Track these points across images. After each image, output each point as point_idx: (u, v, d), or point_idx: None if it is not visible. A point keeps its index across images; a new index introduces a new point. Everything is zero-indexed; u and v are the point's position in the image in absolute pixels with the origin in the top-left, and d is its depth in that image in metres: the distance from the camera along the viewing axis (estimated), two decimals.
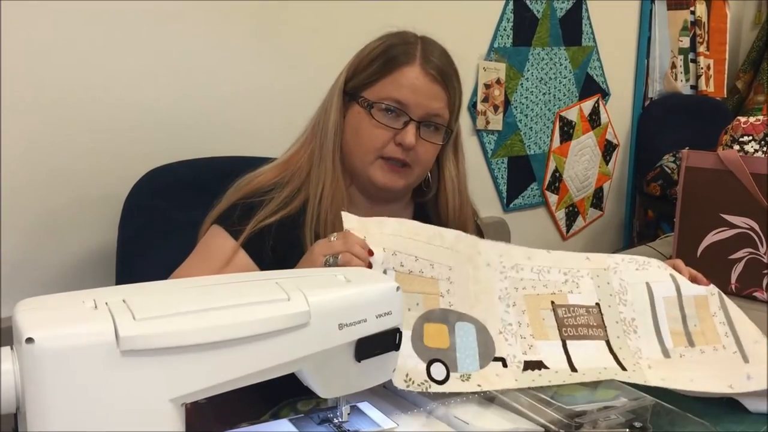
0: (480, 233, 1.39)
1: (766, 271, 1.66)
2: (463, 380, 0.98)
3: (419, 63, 1.17)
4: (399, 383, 0.94)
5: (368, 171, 1.20)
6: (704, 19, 3.31)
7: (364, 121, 1.18)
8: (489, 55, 2.32)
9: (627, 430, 0.94)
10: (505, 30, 2.35)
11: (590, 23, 2.69)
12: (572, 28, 2.62)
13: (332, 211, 1.17)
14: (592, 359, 1.07)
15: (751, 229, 1.67)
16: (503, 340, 1.07)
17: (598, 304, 1.16)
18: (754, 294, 1.68)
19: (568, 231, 2.80)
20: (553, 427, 0.94)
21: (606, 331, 1.13)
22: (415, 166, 1.21)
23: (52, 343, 0.62)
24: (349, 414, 0.90)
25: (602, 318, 1.15)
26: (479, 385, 0.98)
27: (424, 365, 0.97)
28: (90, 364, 0.64)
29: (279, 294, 0.76)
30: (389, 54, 1.18)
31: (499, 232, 2.41)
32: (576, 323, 1.13)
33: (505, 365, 1.03)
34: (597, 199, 2.91)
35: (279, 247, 1.16)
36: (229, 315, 0.71)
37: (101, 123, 1.52)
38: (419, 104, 1.17)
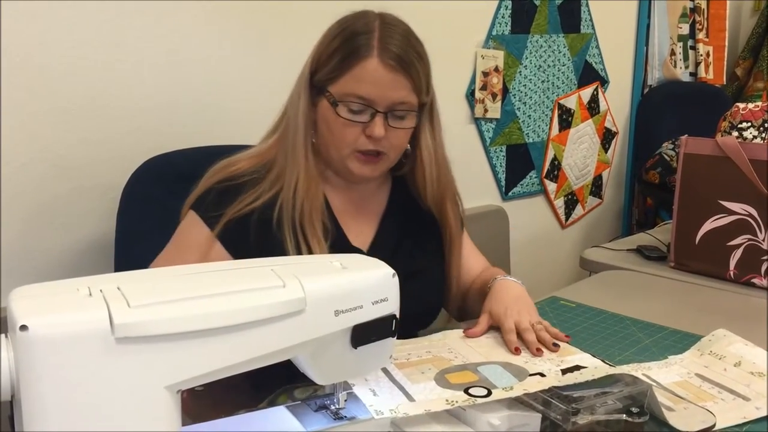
0: (458, 208, 1.41)
1: (764, 258, 1.66)
2: (506, 390, 0.96)
3: (377, 54, 1.15)
4: (441, 407, 0.92)
5: (345, 163, 1.21)
6: (703, 5, 3.30)
7: (333, 118, 1.18)
8: (487, 42, 2.31)
9: (624, 415, 0.95)
10: (503, 17, 2.34)
11: (589, 10, 2.68)
12: (571, 15, 2.61)
13: (308, 202, 1.18)
14: None
15: (750, 215, 1.67)
16: (533, 364, 1.08)
17: None
18: (753, 280, 1.68)
19: (567, 219, 2.80)
20: (551, 413, 0.94)
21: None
22: (390, 152, 1.22)
23: (46, 331, 0.62)
24: (345, 401, 0.90)
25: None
26: (525, 389, 0.97)
27: (461, 392, 0.96)
28: (85, 352, 0.64)
29: (275, 281, 0.76)
30: (348, 47, 1.16)
31: (497, 221, 2.41)
32: None
33: (543, 376, 1.02)
34: (596, 187, 2.91)
35: (259, 242, 1.16)
36: (224, 302, 0.71)
37: (99, 113, 1.51)
38: (382, 96, 1.16)
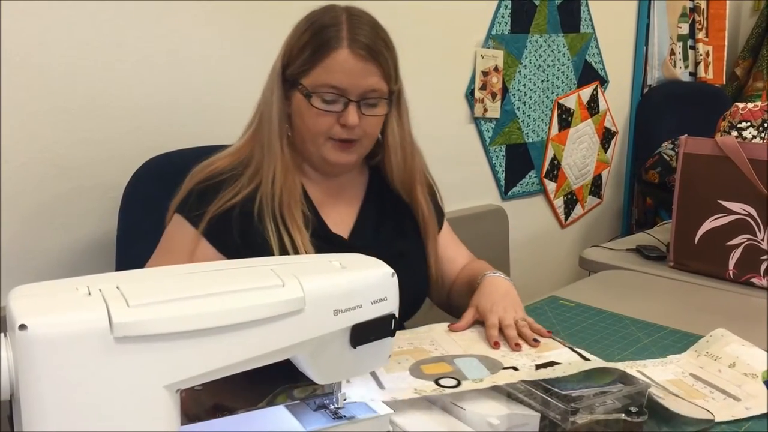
0: (433, 193, 1.43)
1: (763, 257, 1.66)
2: (476, 382, 0.98)
3: (347, 45, 1.18)
4: (408, 395, 0.93)
5: (320, 152, 1.24)
6: (703, 5, 3.30)
7: (307, 109, 1.21)
8: (487, 42, 2.31)
9: (623, 415, 0.95)
10: (502, 17, 2.34)
11: (588, 10, 2.68)
12: (570, 15, 2.61)
13: (286, 192, 1.21)
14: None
15: (749, 215, 1.67)
16: (509, 358, 1.09)
17: (562, 337, 1.22)
18: (752, 280, 1.68)
19: (566, 219, 2.80)
20: (549, 412, 0.94)
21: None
22: (363, 139, 1.24)
23: (45, 330, 0.62)
24: (345, 400, 0.90)
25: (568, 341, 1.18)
26: (494, 381, 0.98)
27: (431, 382, 0.97)
28: (84, 351, 0.64)
29: (274, 280, 0.76)
30: (318, 40, 1.19)
31: (497, 221, 2.41)
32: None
33: (516, 370, 1.03)
34: (595, 186, 2.91)
35: (242, 235, 1.19)
36: (223, 301, 0.71)
37: (99, 112, 1.51)
38: (354, 85, 1.19)
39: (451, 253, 1.45)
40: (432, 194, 1.43)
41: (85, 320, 0.64)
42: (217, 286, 0.73)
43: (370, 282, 0.83)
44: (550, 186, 2.67)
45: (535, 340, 1.14)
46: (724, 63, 3.45)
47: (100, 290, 0.68)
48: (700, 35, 3.30)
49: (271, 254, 1.16)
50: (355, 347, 0.82)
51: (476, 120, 2.34)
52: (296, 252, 1.18)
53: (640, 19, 2.98)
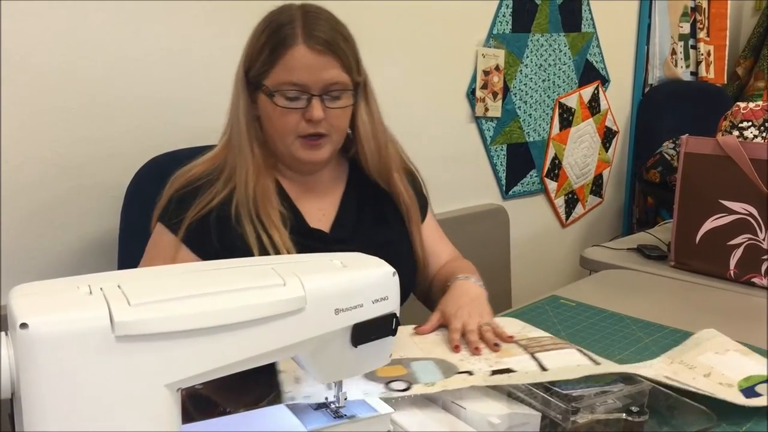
0: (415, 182, 1.42)
1: (764, 257, 1.66)
2: (426, 386, 0.97)
3: (302, 41, 1.19)
4: (357, 396, 0.92)
5: (291, 151, 1.25)
6: (704, 4, 3.30)
7: (272, 109, 1.22)
8: (488, 41, 2.31)
9: (624, 414, 0.95)
10: (504, 16, 2.34)
11: (590, 9, 2.68)
12: (572, 14, 2.61)
13: (260, 193, 1.22)
14: (563, 361, 1.06)
15: (750, 215, 1.67)
16: (467, 363, 1.07)
17: (562, 336, 1.20)
18: (753, 280, 1.68)
19: (567, 218, 2.80)
20: (550, 411, 0.94)
21: (575, 345, 1.14)
22: (333, 133, 1.25)
23: (46, 329, 0.62)
24: (345, 399, 0.90)
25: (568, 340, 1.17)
26: (445, 386, 0.97)
27: (382, 385, 0.96)
28: (85, 350, 0.64)
29: (275, 279, 0.76)
30: (274, 39, 1.20)
31: (498, 220, 2.41)
32: (542, 344, 1.14)
33: (471, 374, 1.02)
34: (596, 186, 2.91)
35: (221, 239, 1.20)
36: (224, 300, 0.71)
37: (101, 111, 1.51)
38: (315, 79, 1.19)
39: (435, 246, 1.44)
40: (414, 182, 1.43)
41: (87, 319, 0.64)
42: (218, 285, 0.73)
43: (371, 281, 0.83)
44: (551, 185, 2.67)
45: (496, 345, 1.12)
46: (726, 62, 3.45)
47: (101, 289, 0.68)
48: (702, 35, 3.29)
49: (251, 255, 1.16)
50: (356, 346, 0.82)
51: (477, 119, 2.34)
52: (276, 251, 1.18)
53: (641, 19, 2.98)
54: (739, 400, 1.00)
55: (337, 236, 1.29)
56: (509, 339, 1.16)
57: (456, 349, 1.13)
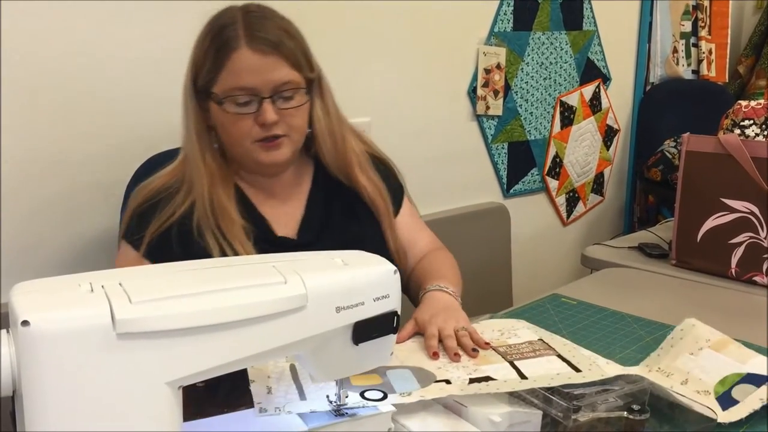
0: (387, 172, 1.39)
1: (766, 256, 1.65)
2: (402, 396, 0.95)
3: (245, 43, 1.16)
4: (325, 408, 0.90)
5: (250, 156, 1.22)
6: (706, 3, 3.29)
7: (224, 116, 1.19)
8: (489, 39, 2.31)
9: (625, 412, 0.95)
10: (505, 14, 2.34)
11: (591, 7, 2.68)
12: (573, 12, 2.60)
13: (220, 206, 1.19)
14: (543, 369, 1.05)
15: (752, 213, 1.67)
16: (444, 371, 1.06)
17: (541, 339, 1.18)
18: (754, 278, 1.68)
19: (568, 216, 2.80)
20: (551, 410, 0.94)
21: (555, 349, 1.13)
22: (291, 132, 1.22)
23: (48, 326, 0.62)
24: (347, 397, 0.90)
25: (548, 344, 1.15)
26: (422, 396, 0.96)
27: (357, 394, 0.94)
28: (86, 347, 0.64)
29: (276, 277, 0.76)
30: (216, 44, 1.17)
31: (499, 218, 2.41)
32: (521, 351, 1.13)
33: (449, 383, 1.01)
34: (597, 184, 2.91)
35: (183, 254, 1.15)
36: (225, 298, 0.71)
37: (102, 109, 1.51)
38: (263, 81, 1.16)
39: (411, 236, 1.42)
40: (387, 172, 1.40)
41: (88, 316, 0.64)
42: (219, 282, 0.73)
43: (372, 279, 0.83)
44: (552, 184, 2.67)
45: (475, 350, 1.11)
46: (727, 61, 3.44)
47: (102, 286, 0.68)
48: (703, 33, 3.29)
49: None
50: (357, 344, 0.82)
51: (478, 117, 2.34)
52: None
53: (642, 17, 2.97)
54: (717, 412, 0.99)
55: (304, 240, 1.27)
56: (486, 345, 1.13)
57: (434, 356, 1.10)
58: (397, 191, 1.41)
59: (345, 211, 1.33)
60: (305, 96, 1.22)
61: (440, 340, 1.14)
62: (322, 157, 1.31)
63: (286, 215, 1.29)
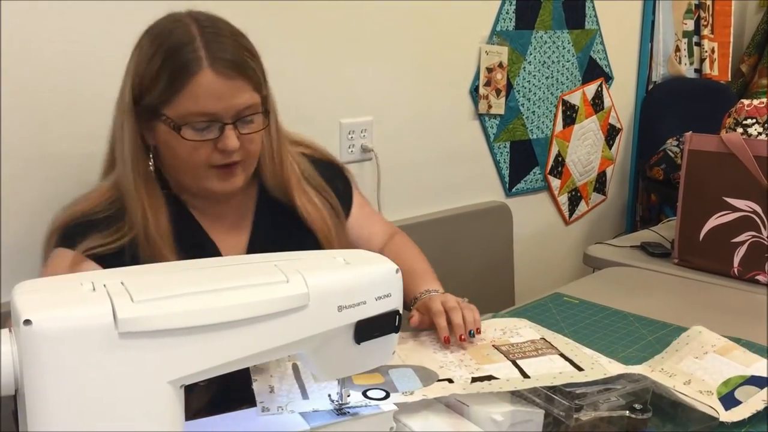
0: (333, 174, 1.33)
1: None
2: (405, 395, 0.95)
3: (208, 65, 1.06)
4: (327, 407, 0.90)
5: (202, 183, 1.13)
6: (708, 1, 3.29)
7: (177, 142, 1.08)
8: (491, 38, 2.30)
9: (627, 411, 0.94)
10: (507, 13, 2.34)
11: (593, 6, 2.67)
12: (575, 11, 2.60)
13: (159, 237, 1.11)
14: (545, 367, 1.05)
15: (754, 212, 1.67)
16: (447, 370, 1.06)
17: (543, 338, 1.18)
18: (757, 277, 1.68)
19: (570, 216, 2.80)
20: (554, 409, 0.94)
21: (557, 348, 1.13)
22: (248, 158, 1.14)
23: (49, 325, 0.63)
24: (348, 396, 0.90)
25: (550, 343, 1.15)
26: (424, 395, 0.96)
27: (359, 393, 0.94)
28: (88, 346, 0.64)
29: (278, 276, 0.76)
30: (173, 64, 1.06)
31: (501, 217, 2.40)
32: (523, 350, 1.13)
33: (451, 382, 1.01)
34: (600, 183, 2.90)
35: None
36: (227, 297, 0.71)
37: (102, 109, 1.51)
38: (226, 107, 1.07)
39: (364, 233, 1.37)
40: (332, 175, 1.33)
41: (90, 315, 0.65)
42: (221, 282, 0.73)
43: (374, 278, 0.83)
44: (555, 183, 2.67)
45: (471, 334, 1.14)
46: (730, 60, 3.44)
47: (104, 286, 0.68)
48: (706, 32, 3.28)
49: None
50: (359, 343, 0.82)
51: (480, 116, 2.34)
52: None
53: (645, 16, 2.97)
54: (719, 412, 0.99)
55: None
56: (479, 331, 1.17)
57: (446, 340, 1.13)
58: (344, 192, 1.35)
59: (295, 225, 1.25)
60: (264, 119, 1.15)
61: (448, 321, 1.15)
62: (265, 180, 1.23)
63: (232, 237, 1.23)
